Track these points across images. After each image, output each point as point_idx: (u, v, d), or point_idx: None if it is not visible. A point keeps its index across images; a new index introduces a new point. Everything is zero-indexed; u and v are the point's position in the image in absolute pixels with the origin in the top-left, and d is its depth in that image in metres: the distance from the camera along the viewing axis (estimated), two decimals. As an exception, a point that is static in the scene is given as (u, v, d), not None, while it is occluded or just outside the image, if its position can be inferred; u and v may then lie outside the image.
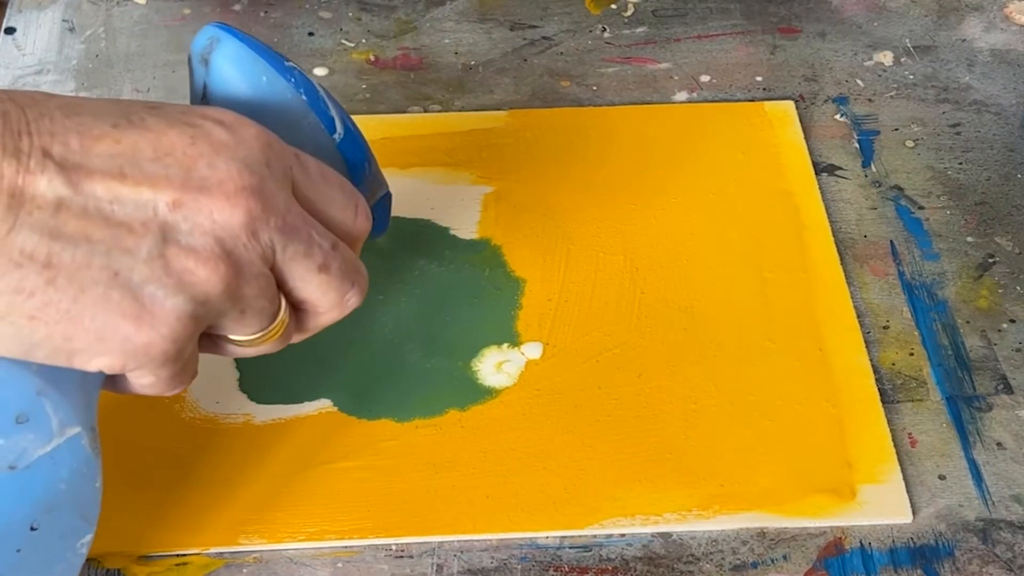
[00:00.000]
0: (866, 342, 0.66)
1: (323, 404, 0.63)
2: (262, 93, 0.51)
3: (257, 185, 0.44)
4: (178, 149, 0.43)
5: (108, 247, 0.42)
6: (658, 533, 0.58)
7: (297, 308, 0.49)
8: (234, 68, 0.50)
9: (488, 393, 0.63)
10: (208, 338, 0.48)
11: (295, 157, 0.47)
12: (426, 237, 0.70)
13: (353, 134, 0.53)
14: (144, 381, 0.46)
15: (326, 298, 0.49)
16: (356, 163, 0.53)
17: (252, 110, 0.49)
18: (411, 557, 0.57)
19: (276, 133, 0.47)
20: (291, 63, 0.52)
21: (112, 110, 0.44)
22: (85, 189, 0.42)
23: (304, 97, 0.51)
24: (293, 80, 0.51)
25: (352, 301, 0.50)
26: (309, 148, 0.50)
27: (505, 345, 0.65)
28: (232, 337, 0.48)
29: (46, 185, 0.41)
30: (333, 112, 0.52)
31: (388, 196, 0.58)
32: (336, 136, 0.52)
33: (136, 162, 0.43)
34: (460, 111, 0.79)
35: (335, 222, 0.49)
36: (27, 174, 0.41)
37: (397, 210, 0.72)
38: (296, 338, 0.51)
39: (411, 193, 0.73)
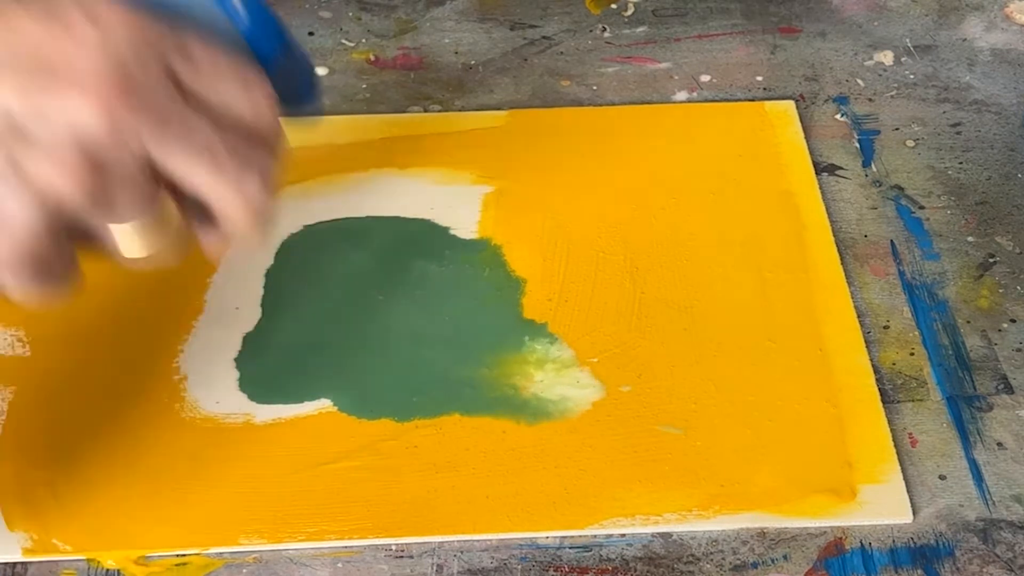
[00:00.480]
0: (866, 342, 0.66)
1: (323, 404, 0.63)
2: None
3: (120, 79, 0.41)
4: (36, 44, 0.40)
5: None
6: (658, 533, 0.58)
7: (199, 212, 0.46)
8: None
9: (488, 392, 0.63)
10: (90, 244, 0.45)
11: (176, 45, 0.43)
12: (426, 237, 0.70)
13: (262, 20, 0.49)
14: (7, 283, 0.43)
15: (219, 187, 0.44)
16: (262, 49, 0.49)
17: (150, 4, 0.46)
18: (411, 557, 0.57)
19: (171, 19, 0.44)
20: None
21: None
22: None
23: None
24: None
25: (251, 188, 0.45)
26: (206, 34, 0.46)
27: (505, 345, 0.65)
28: (119, 247, 0.45)
29: None
30: (238, 4, 0.48)
31: (309, 73, 0.54)
32: (240, 26, 0.48)
33: None
34: (460, 111, 0.79)
35: (229, 112, 0.44)
36: None
37: (398, 210, 0.72)
38: (211, 246, 0.47)
39: (411, 193, 0.73)
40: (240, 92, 0.45)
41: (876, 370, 0.65)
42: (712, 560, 0.57)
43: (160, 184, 0.44)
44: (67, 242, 0.44)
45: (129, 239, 0.46)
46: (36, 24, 0.41)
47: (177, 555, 0.57)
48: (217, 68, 0.45)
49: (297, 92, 0.53)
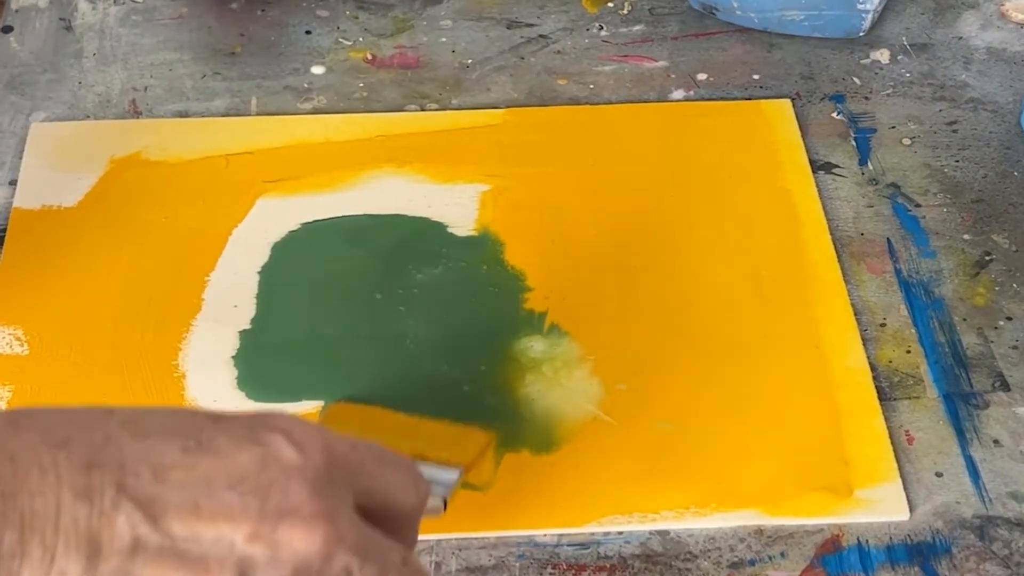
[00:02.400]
0: (863, 340, 0.66)
1: (321, 403, 0.63)
2: None
3: (328, 508, 0.42)
4: (251, 475, 0.41)
5: None
6: (656, 531, 0.58)
7: None
8: None
9: (486, 392, 0.63)
10: None
11: (353, 455, 0.45)
12: (423, 235, 0.71)
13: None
14: None
15: None
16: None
17: None
18: (409, 555, 0.57)
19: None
20: None
21: (179, 427, 0.42)
22: (161, 527, 0.39)
23: None
24: None
25: None
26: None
27: (503, 343, 0.65)
28: None
29: (123, 525, 0.39)
30: None
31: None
32: None
33: (210, 492, 0.40)
34: (457, 109, 0.79)
35: (396, 505, 0.46)
36: (102, 516, 0.38)
37: (395, 208, 0.72)
38: None
39: (408, 191, 0.73)
40: (408, 485, 0.46)
41: (873, 368, 0.65)
42: (709, 558, 0.57)
43: None
44: None
45: None
46: (244, 452, 0.41)
47: (175, 553, 0.57)
48: (385, 464, 0.46)
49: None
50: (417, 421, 0.60)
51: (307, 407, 0.62)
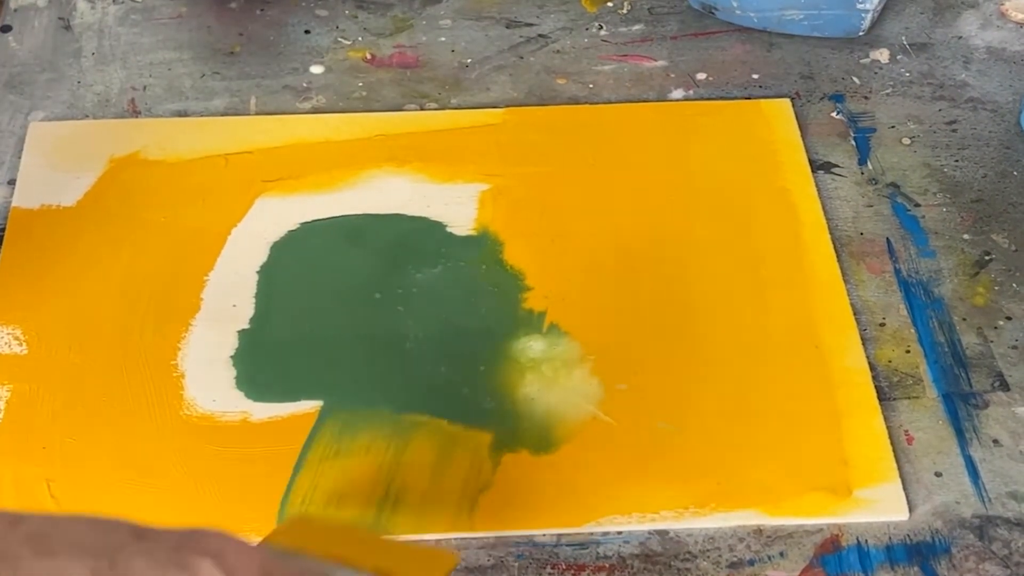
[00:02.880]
0: (863, 339, 0.66)
1: (319, 404, 0.63)
2: None
3: None
4: None
5: None
6: (655, 531, 0.58)
7: None
8: None
9: (485, 391, 0.63)
10: None
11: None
12: (422, 234, 0.70)
13: None
14: None
15: None
16: None
17: None
18: (408, 555, 0.57)
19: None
20: None
21: (94, 545, 0.37)
22: None
23: None
24: None
25: None
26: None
27: (502, 342, 0.65)
28: None
29: None
30: None
31: None
32: None
33: None
34: (456, 109, 0.79)
35: None
36: None
37: (395, 207, 0.72)
38: None
39: (407, 190, 0.73)
40: None
41: (872, 367, 0.65)
42: (708, 557, 0.57)
43: None
44: None
45: None
46: (162, 569, 0.38)
47: (174, 553, 0.57)
48: None
49: None
50: (384, 540, 0.56)
51: (306, 407, 0.62)
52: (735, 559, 0.57)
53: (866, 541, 0.58)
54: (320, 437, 0.61)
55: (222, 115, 0.78)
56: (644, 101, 0.79)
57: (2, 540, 0.37)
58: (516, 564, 0.57)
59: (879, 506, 0.59)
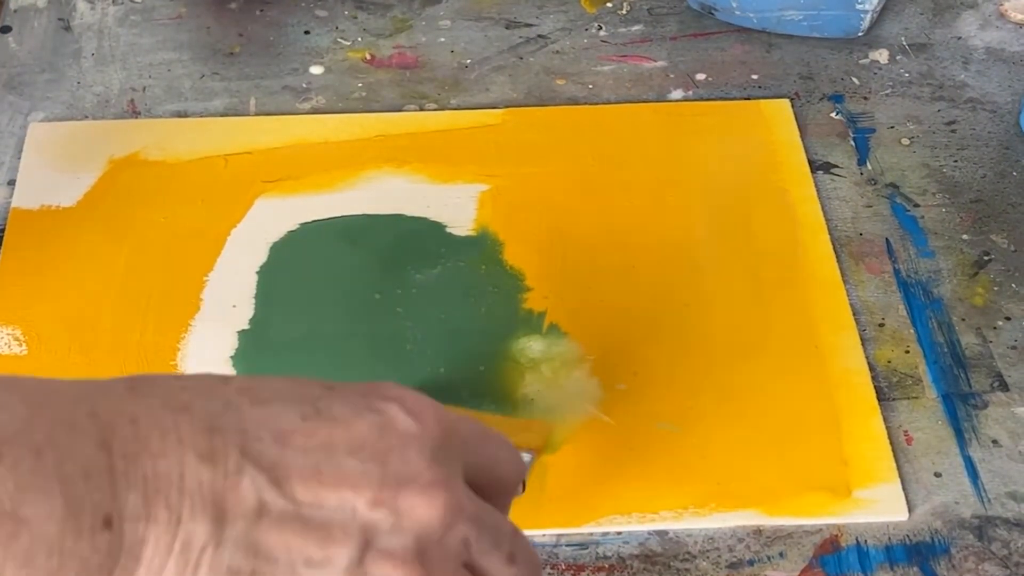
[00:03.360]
0: (862, 340, 0.66)
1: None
2: None
3: (446, 476, 0.42)
4: (369, 442, 0.41)
5: (307, 558, 0.39)
6: (655, 531, 0.58)
7: None
8: None
9: (485, 392, 0.63)
10: None
11: (463, 427, 0.45)
12: (422, 235, 0.70)
13: None
14: None
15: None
16: None
17: None
18: (408, 555, 0.57)
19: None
20: None
21: (295, 395, 0.42)
22: (285, 491, 0.39)
23: None
24: None
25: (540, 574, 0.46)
26: None
27: (502, 343, 0.65)
28: None
29: (248, 488, 0.39)
30: None
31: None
32: None
33: (331, 458, 0.40)
34: (456, 109, 0.79)
35: (499, 479, 0.46)
36: (227, 479, 0.38)
37: (394, 208, 0.72)
38: None
39: (407, 191, 0.73)
40: (510, 459, 0.47)
41: (872, 368, 0.65)
42: (708, 558, 0.57)
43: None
44: None
45: None
46: (362, 420, 0.41)
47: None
48: (488, 440, 0.46)
49: None
50: (483, 413, 0.59)
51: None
52: (735, 559, 0.57)
53: (865, 541, 0.58)
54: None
55: (222, 116, 0.78)
56: (643, 102, 0.80)
57: (223, 392, 0.40)
58: (516, 564, 0.57)
59: (878, 506, 0.59)
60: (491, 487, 0.45)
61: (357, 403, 0.42)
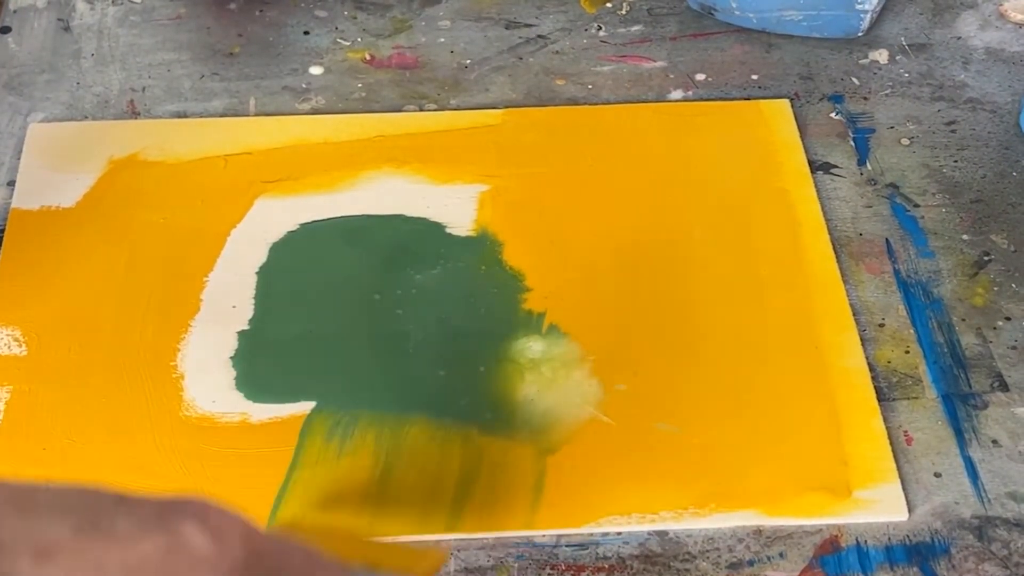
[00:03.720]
0: (862, 340, 0.66)
1: (313, 403, 0.63)
2: None
3: None
4: (151, 564, 0.36)
5: None
6: (654, 531, 0.58)
7: None
8: None
9: (485, 392, 0.63)
10: None
11: (276, 552, 0.41)
12: (422, 235, 0.70)
13: None
14: None
15: None
16: None
17: None
18: (408, 556, 0.57)
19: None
20: None
21: (75, 505, 0.37)
22: None
23: None
24: None
25: None
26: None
27: (502, 343, 0.65)
28: None
29: None
30: None
31: None
32: None
33: None
34: (456, 110, 0.79)
35: None
36: None
37: (394, 208, 0.72)
38: None
39: (407, 191, 0.73)
40: None
41: (871, 368, 0.65)
42: (708, 558, 0.57)
43: None
44: None
45: None
46: (147, 539, 0.37)
47: (174, 554, 0.57)
48: (312, 566, 0.42)
49: None
50: (372, 541, 0.56)
51: (305, 408, 0.62)
52: (734, 559, 0.57)
53: (865, 542, 0.58)
54: (316, 438, 0.61)
55: (221, 116, 0.78)
56: (643, 102, 0.80)
57: None
58: (515, 565, 0.57)
59: (878, 507, 0.59)
60: None
61: (147, 518, 0.37)
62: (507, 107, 0.79)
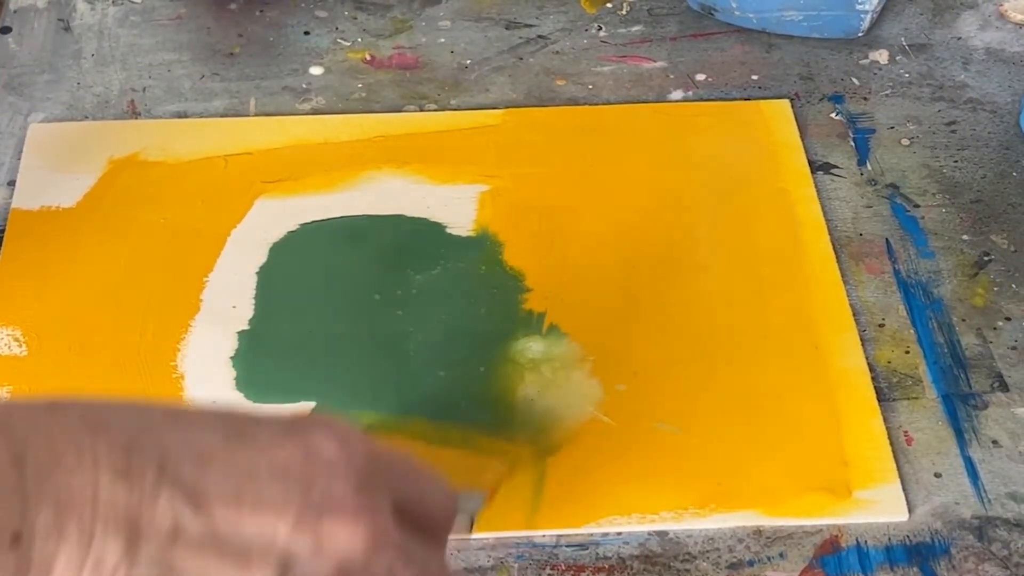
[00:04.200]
0: (862, 340, 0.66)
1: (313, 404, 0.63)
2: None
3: (371, 504, 0.41)
4: (293, 467, 0.40)
5: None
6: (655, 531, 0.58)
7: None
8: None
9: (485, 392, 0.63)
10: None
11: (392, 459, 0.44)
12: (422, 235, 0.70)
13: None
14: None
15: None
16: None
17: None
18: (408, 556, 0.57)
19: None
20: None
21: (218, 421, 0.41)
22: (203, 513, 0.38)
23: None
24: None
25: None
26: None
27: (502, 344, 0.65)
28: None
29: (164, 509, 0.37)
30: None
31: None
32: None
33: (253, 482, 0.39)
34: (456, 110, 0.79)
35: (430, 515, 0.45)
36: (143, 498, 0.37)
37: (394, 208, 0.72)
38: None
39: (407, 192, 0.73)
40: (439, 492, 0.46)
41: (872, 368, 0.65)
42: (708, 558, 0.57)
43: None
44: None
45: None
46: (286, 446, 0.40)
47: (174, 554, 0.57)
48: (419, 474, 0.45)
49: None
50: (439, 450, 0.59)
51: (305, 408, 0.62)
52: (735, 560, 0.57)
53: (866, 542, 0.58)
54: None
55: (222, 116, 0.78)
56: (643, 102, 0.80)
57: (145, 414, 0.40)
58: (516, 565, 0.57)
59: (879, 507, 0.59)
60: (423, 522, 0.44)
61: (282, 430, 0.41)
62: (507, 107, 0.79)
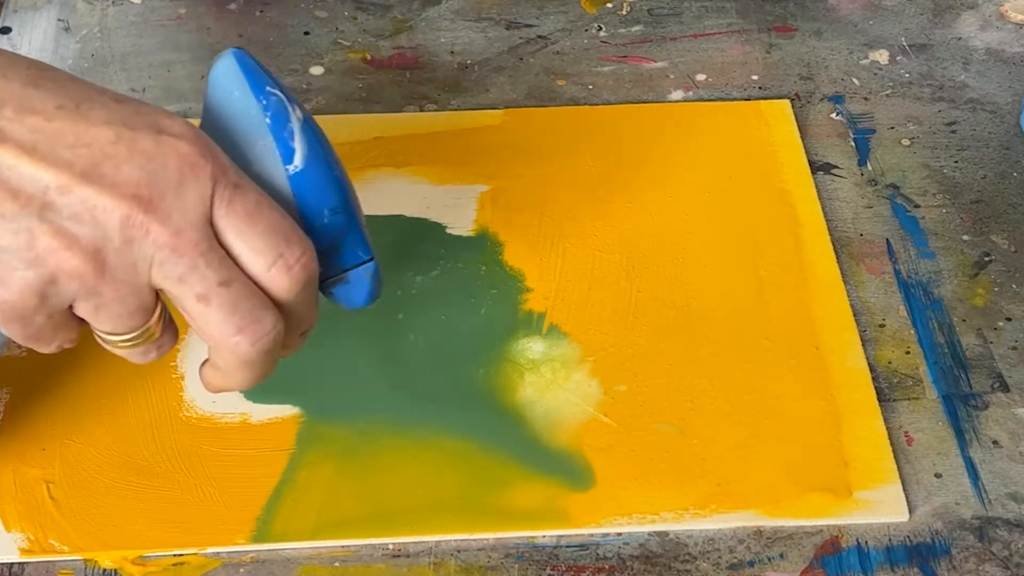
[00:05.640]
0: (862, 340, 0.66)
1: (319, 403, 0.63)
2: (229, 106, 0.50)
3: (150, 197, 0.44)
4: (97, 143, 0.44)
5: None
6: (655, 532, 0.58)
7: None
8: (216, 80, 0.50)
9: (486, 394, 0.63)
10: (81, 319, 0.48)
11: (226, 186, 0.46)
12: (422, 236, 0.70)
13: (319, 174, 0.50)
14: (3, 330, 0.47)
15: (207, 331, 0.47)
16: (309, 204, 0.50)
17: (216, 120, 0.49)
18: (408, 556, 0.57)
19: (230, 149, 0.47)
20: (278, 91, 0.50)
21: (71, 92, 0.45)
22: None
23: (268, 119, 0.49)
24: (264, 102, 0.49)
25: (241, 346, 0.47)
26: (258, 173, 0.49)
27: (502, 344, 0.65)
28: (96, 329, 0.48)
29: None
30: (298, 144, 0.50)
31: (370, 266, 0.54)
32: (290, 168, 0.50)
33: (52, 144, 0.44)
34: (456, 110, 0.79)
35: (246, 268, 0.47)
36: None
37: (394, 209, 0.72)
38: (203, 374, 0.51)
39: (407, 192, 0.73)
40: (266, 252, 0.47)
41: (872, 368, 0.65)
42: (708, 559, 0.57)
43: (158, 304, 0.48)
44: (59, 315, 0.47)
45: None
46: (106, 126, 0.45)
47: (174, 555, 0.57)
48: (253, 221, 0.46)
49: (347, 278, 0.54)
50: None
51: (303, 409, 0.62)
52: (735, 560, 0.57)
53: (866, 542, 0.58)
54: (315, 439, 0.61)
55: (221, 116, 0.78)
56: (643, 102, 0.80)
57: (8, 67, 0.45)
58: (516, 565, 0.57)
59: (879, 507, 0.59)
60: (241, 269, 0.47)
61: (120, 115, 0.45)
62: (507, 107, 0.79)
